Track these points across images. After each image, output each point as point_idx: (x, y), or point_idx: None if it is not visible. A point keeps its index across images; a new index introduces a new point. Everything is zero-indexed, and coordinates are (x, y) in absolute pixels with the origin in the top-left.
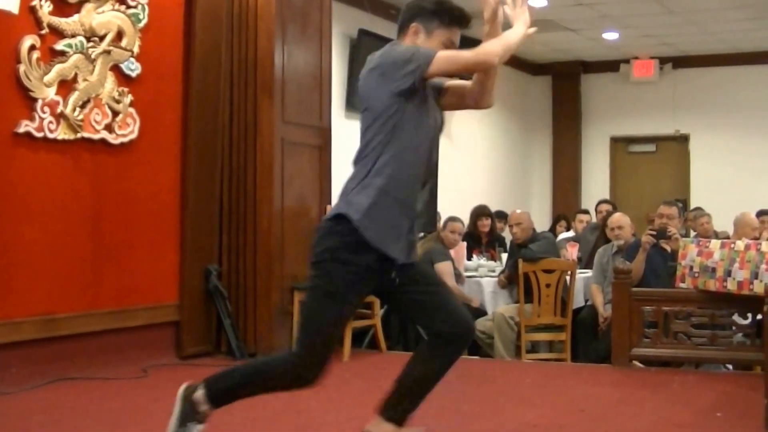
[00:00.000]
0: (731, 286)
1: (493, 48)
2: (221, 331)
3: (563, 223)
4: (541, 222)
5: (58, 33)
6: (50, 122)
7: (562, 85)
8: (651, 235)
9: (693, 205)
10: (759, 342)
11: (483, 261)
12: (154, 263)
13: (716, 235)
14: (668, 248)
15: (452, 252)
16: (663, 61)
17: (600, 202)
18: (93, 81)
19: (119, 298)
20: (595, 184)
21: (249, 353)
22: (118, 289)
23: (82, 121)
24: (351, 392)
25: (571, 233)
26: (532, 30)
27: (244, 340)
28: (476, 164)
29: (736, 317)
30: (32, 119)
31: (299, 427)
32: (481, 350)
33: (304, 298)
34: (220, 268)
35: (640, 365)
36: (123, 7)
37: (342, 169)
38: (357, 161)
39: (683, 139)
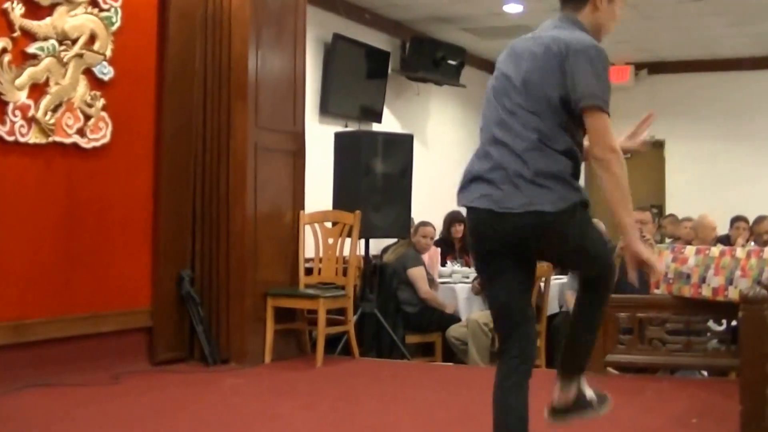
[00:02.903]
0: (706, 292)
1: (620, 173)
2: (194, 337)
3: None
4: None
5: (30, 36)
6: (21, 126)
7: None
8: None
9: (668, 211)
10: (734, 348)
11: (457, 267)
12: (127, 268)
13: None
14: None
15: (426, 257)
16: (639, 66)
17: None
18: (65, 85)
19: (91, 303)
20: None
21: (222, 359)
22: (90, 294)
23: (54, 125)
24: (324, 398)
25: None
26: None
27: (217, 345)
28: (451, 170)
29: (711, 323)
30: (3, 123)
31: None
32: (455, 357)
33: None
34: (192, 274)
35: (615, 372)
36: (96, 10)
37: (315, 174)
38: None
39: (659, 145)
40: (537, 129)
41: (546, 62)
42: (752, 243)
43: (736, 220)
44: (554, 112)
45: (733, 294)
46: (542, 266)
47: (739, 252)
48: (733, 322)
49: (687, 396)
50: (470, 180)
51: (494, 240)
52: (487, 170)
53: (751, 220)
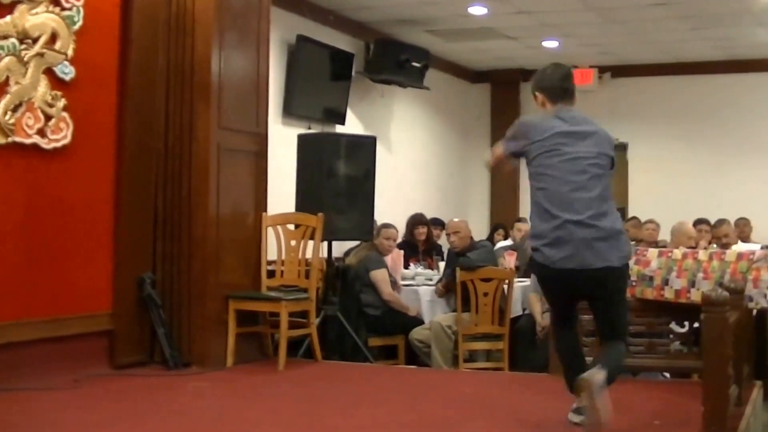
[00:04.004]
0: (669, 294)
1: None
2: (155, 341)
3: (501, 231)
4: (480, 231)
5: None
6: None
7: (501, 92)
8: None
9: (630, 214)
10: (696, 350)
11: (420, 269)
12: (88, 271)
13: (656, 244)
14: None
15: (389, 260)
16: (602, 70)
17: None
18: (25, 84)
19: (51, 306)
20: None
21: (184, 363)
22: (50, 297)
23: (13, 125)
24: (287, 401)
25: (509, 242)
26: None
27: (179, 349)
28: (414, 172)
29: (673, 325)
30: None
31: None
32: (419, 359)
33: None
34: (154, 277)
35: None
36: (57, 9)
37: (278, 176)
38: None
39: (622, 148)
40: None
41: None
42: (714, 245)
43: (698, 223)
44: None
45: (695, 296)
46: (505, 270)
47: (702, 254)
48: (696, 324)
49: (649, 398)
50: None
51: None
52: None
53: (712, 222)
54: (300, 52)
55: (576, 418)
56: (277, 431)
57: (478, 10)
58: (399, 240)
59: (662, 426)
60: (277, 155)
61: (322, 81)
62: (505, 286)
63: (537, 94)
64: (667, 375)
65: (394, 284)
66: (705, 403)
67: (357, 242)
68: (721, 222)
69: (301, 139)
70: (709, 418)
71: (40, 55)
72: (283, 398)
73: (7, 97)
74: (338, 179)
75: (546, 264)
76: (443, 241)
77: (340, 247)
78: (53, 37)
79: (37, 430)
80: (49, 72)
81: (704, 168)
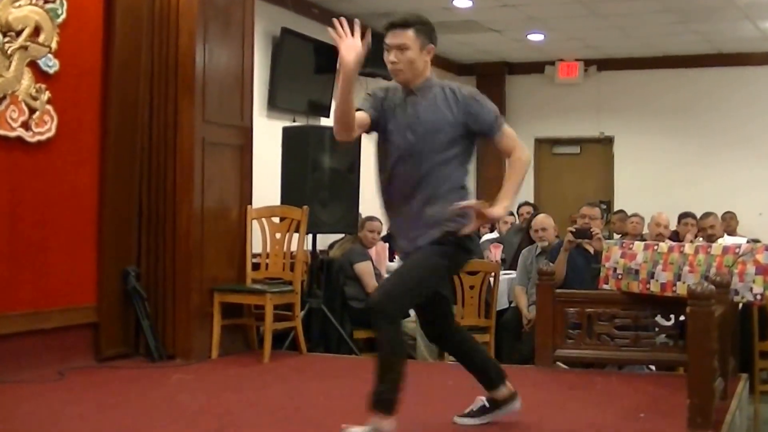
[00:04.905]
0: (654, 287)
1: None
2: (140, 333)
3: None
4: None
5: None
6: None
7: (486, 85)
8: (571, 233)
9: (616, 206)
10: (682, 343)
11: None
12: (71, 264)
13: (641, 237)
14: (591, 249)
15: (373, 252)
16: (588, 63)
17: (521, 205)
18: (9, 77)
19: (35, 299)
20: None
21: (168, 355)
22: (34, 290)
23: None
24: (271, 393)
25: (494, 234)
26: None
27: (163, 341)
28: None
29: (659, 318)
30: None
31: (221, 427)
32: None
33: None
34: (138, 270)
35: (564, 366)
36: (41, 2)
37: (263, 169)
38: None
39: (607, 141)
40: None
41: None
42: (700, 239)
43: (684, 216)
44: None
45: (681, 290)
46: (491, 263)
47: (688, 248)
48: (681, 318)
49: (635, 391)
50: None
51: None
52: None
53: (698, 215)
54: (284, 45)
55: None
56: (262, 423)
57: (462, 3)
58: (383, 233)
59: (647, 419)
60: (261, 148)
61: (306, 74)
62: (491, 279)
63: (432, 47)
64: (653, 368)
65: (378, 277)
66: (690, 397)
67: (341, 235)
68: (708, 215)
69: (286, 131)
70: (694, 411)
71: (24, 48)
72: (268, 390)
73: None
74: (323, 172)
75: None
76: None
77: (324, 240)
78: (36, 30)
79: (21, 422)
80: (33, 65)
81: (690, 161)
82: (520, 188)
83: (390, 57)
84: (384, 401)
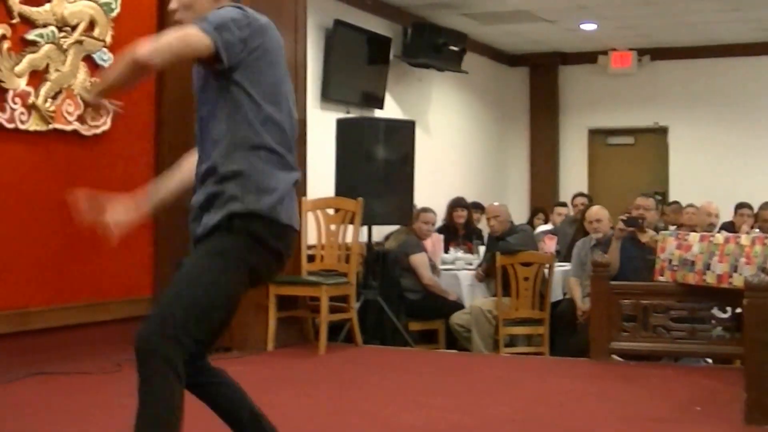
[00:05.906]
0: (710, 279)
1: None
2: None
3: (541, 215)
4: (519, 214)
5: (29, 22)
6: (21, 113)
7: (539, 76)
8: (622, 221)
9: (672, 198)
10: (738, 336)
11: (460, 254)
12: (128, 256)
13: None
14: (644, 240)
15: (428, 244)
16: (641, 52)
17: (575, 195)
18: (65, 72)
19: (93, 291)
20: (573, 176)
21: (224, 347)
22: (91, 282)
23: (54, 112)
24: (326, 386)
25: (549, 226)
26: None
27: None
28: (453, 156)
29: (715, 311)
30: (3, 110)
31: (275, 420)
32: (459, 343)
33: None
34: None
35: (619, 359)
36: None
37: (317, 161)
38: None
39: (662, 132)
40: None
41: None
42: (756, 230)
43: (740, 206)
44: None
45: (737, 281)
46: (545, 254)
47: (744, 239)
48: (738, 310)
49: (691, 383)
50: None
51: None
52: None
53: (755, 206)
54: (337, 36)
55: None
56: (315, 416)
57: None
58: (438, 224)
59: (703, 412)
60: (315, 140)
61: (359, 65)
62: (545, 271)
63: None
64: (709, 361)
65: (434, 268)
66: (747, 390)
67: (397, 227)
68: (765, 206)
69: (340, 123)
70: (751, 405)
71: (79, 42)
72: (323, 383)
73: (47, 84)
74: (377, 163)
75: (287, 224)
76: (483, 225)
77: (379, 232)
78: (91, 25)
79: (78, 412)
80: (88, 59)
81: (746, 151)
82: (117, 80)
83: (171, 5)
84: None
